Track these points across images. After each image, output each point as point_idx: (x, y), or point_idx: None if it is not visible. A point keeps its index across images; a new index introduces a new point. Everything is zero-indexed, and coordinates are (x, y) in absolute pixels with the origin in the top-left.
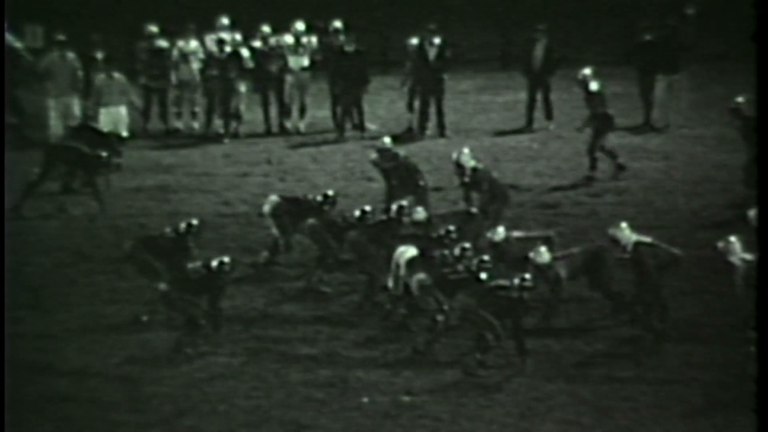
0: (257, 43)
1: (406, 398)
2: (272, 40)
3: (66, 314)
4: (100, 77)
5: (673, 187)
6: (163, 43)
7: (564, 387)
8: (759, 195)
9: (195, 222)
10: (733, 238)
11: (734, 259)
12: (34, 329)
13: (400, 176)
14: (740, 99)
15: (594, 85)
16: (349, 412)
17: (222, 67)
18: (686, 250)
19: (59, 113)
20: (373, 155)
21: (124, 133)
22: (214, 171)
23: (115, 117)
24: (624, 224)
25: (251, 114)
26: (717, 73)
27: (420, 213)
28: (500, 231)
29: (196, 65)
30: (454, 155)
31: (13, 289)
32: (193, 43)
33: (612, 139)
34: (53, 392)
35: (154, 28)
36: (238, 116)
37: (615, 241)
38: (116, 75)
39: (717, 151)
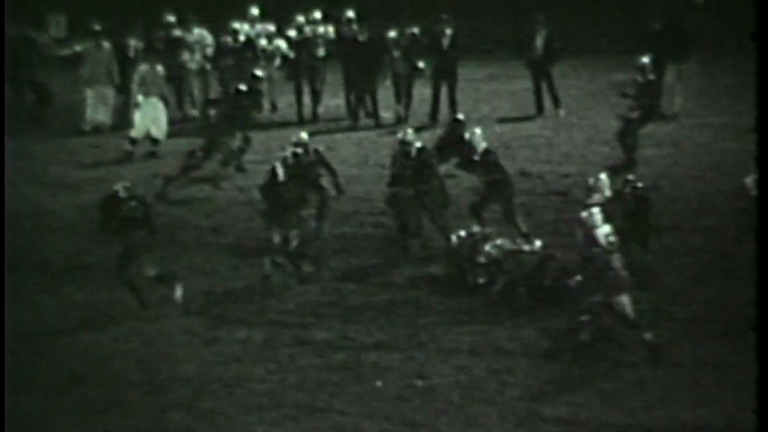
0: (292, 33)
1: (419, 382)
2: (307, 30)
3: (84, 298)
4: (143, 67)
5: (681, 174)
6: (180, 33)
7: (573, 371)
8: (759, 194)
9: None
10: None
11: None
12: (52, 313)
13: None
14: None
15: (652, 76)
16: (362, 396)
17: (237, 56)
18: (694, 235)
19: (95, 102)
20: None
21: (164, 124)
22: None
23: (155, 106)
24: (603, 175)
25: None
26: (726, 62)
27: None
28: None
29: (209, 52)
30: (467, 135)
31: (32, 272)
32: (203, 32)
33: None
34: (72, 375)
35: (171, 18)
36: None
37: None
38: (158, 66)
39: (725, 139)
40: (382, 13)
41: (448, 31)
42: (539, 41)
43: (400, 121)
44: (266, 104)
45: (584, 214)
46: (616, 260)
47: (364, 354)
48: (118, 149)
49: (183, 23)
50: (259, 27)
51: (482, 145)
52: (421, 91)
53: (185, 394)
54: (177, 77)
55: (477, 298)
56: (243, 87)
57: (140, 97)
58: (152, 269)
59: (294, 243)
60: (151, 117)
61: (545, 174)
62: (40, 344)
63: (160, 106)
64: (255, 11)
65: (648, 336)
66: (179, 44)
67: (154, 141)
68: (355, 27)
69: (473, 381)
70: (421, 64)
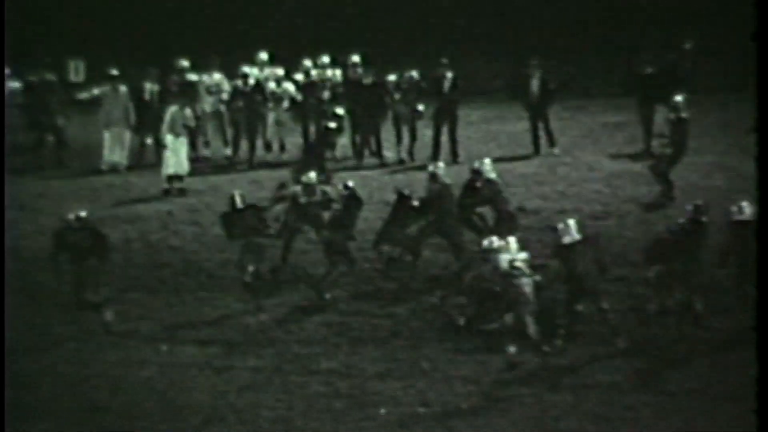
0: (299, 77)
1: (421, 409)
2: (314, 74)
3: (101, 329)
4: (173, 109)
5: (671, 211)
6: (192, 77)
7: (569, 398)
8: (759, 195)
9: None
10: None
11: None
12: (72, 343)
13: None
14: None
15: (685, 114)
16: (366, 422)
17: (247, 99)
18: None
19: (112, 143)
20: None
21: (185, 162)
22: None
23: (182, 145)
24: (571, 222)
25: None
26: (712, 104)
27: None
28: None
29: (224, 96)
30: (476, 164)
31: (53, 305)
32: (217, 76)
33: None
34: (91, 403)
35: (184, 63)
36: (268, 145)
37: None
38: (187, 109)
39: (712, 177)
40: (386, 58)
41: (449, 75)
42: (535, 84)
43: (402, 160)
44: (275, 144)
45: (485, 242)
46: (524, 285)
47: (368, 382)
48: (134, 187)
49: (205, 67)
50: (267, 71)
51: (491, 175)
52: (423, 132)
53: (198, 420)
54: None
55: (475, 328)
56: (331, 124)
57: (169, 137)
58: (97, 296)
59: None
60: (179, 156)
61: (542, 210)
62: (60, 373)
63: (185, 145)
64: (264, 56)
65: (546, 349)
66: (192, 87)
67: (178, 178)
68: (360, 71)
69: (472, 408)
70: (420, 107)
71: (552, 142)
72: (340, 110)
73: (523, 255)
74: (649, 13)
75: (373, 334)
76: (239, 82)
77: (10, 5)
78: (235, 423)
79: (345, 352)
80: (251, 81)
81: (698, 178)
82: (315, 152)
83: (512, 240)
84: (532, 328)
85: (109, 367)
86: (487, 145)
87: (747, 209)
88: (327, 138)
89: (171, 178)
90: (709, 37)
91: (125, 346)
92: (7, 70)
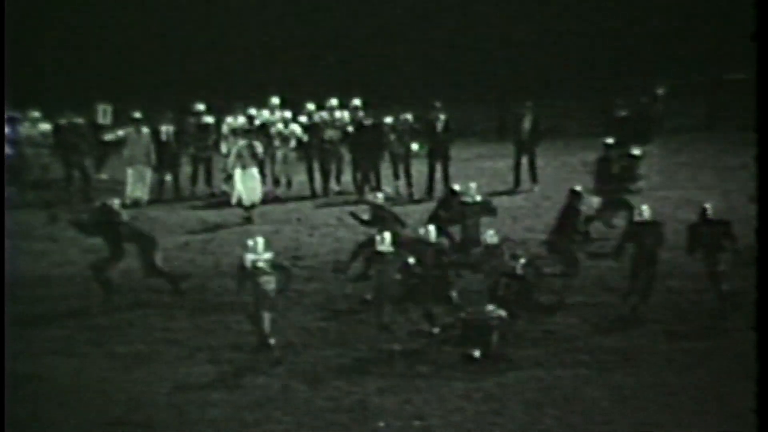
0: (303, 119)
1: (417, 423)
2: (315, 116)
3: (125, 349)
4: (241, 143)
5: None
6: (208, 119)
7: (553, 412)
8: (759, 195)
9: None
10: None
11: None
12: (97, 363)
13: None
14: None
15: None
16: None
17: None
18: (655, 293)
19: (134, 179)
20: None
21: (259, 191)
22: (251, 228)
23: (252, 176)
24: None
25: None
26: (683, 144)
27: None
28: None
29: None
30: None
31: (80, 328)
32: (242, 119)
33: None
34: (112, 417)
35: (201, 106)
36: (277, 180)
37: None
38: (256, 142)
39: (681, 211)
40: (386, 101)
41: (442, 117)
42: (526, 124)
43: (399, 194)
44: (282, 179)
45: (250, 242)
46: (265, 283)
47: (369, 398)
48: (154, 221)
49: (232, 111)
50: (278, 114)
51: (455, 188)
52: (419, 169)
53: None
54: (207, 158)
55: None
56: (636, 152)
57: (238, 170)
58: None
59: None
60: (249, 186)
61: (527, 240)
62: (86, 392)
63: (257, 176)
64: (275, 100)
65: (275, 355)
66: (208, 130)
67: (251, 206)
68: (361, 114)
69: (464, 421)
70: (414, 146)
71: (534, 179)
72: (636, 151)
73: (267, 255)
74: (625, 62)
75: (373, 354)
76: (246, 123)
77: (46, 55)
78: None
79: (347, 371)
80: (257, 122)
81: (669, 211)
82: (615, 182)
83: (260, 241)
84: (266, 324)
85: (131, 384)
86: (478, 180)
87: (646, 212)
88: (630, 167)
89: (243, 205)
90: (678, 84)
91: (145, 364)
92: (37, 113)
